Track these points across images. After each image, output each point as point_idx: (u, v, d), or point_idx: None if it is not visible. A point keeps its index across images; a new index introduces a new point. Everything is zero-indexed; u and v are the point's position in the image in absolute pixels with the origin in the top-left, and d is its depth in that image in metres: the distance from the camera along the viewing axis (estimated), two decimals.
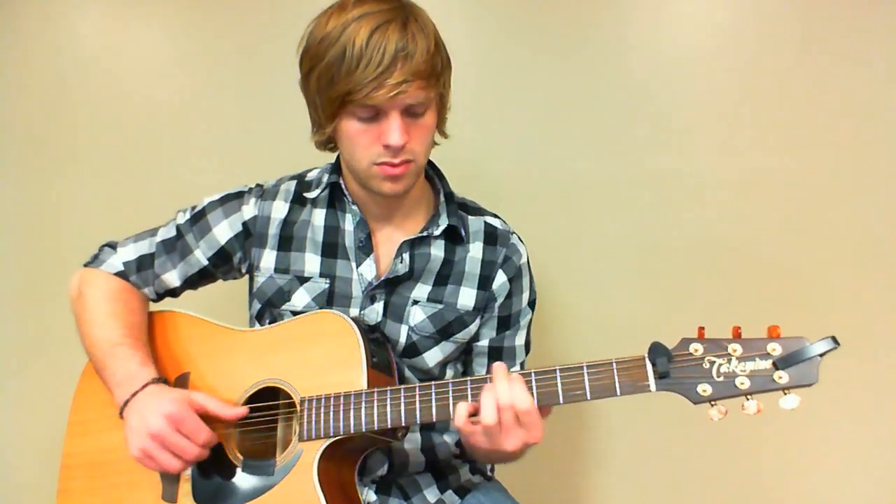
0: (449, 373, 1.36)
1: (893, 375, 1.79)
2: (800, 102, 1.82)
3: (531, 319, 1.40)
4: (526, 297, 1.37)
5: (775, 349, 0.96)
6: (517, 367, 1.37)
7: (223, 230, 1.33)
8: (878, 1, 1.77)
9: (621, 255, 1.90)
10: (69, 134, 2.07)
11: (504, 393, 1.04)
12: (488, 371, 1.34)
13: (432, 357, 1.30)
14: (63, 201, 2.08)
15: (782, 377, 0.95)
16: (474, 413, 1.07)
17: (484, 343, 1.35)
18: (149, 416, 1.12)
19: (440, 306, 1.30)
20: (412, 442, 1.32)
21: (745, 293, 1.84)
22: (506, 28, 1.93)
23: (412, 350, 1.29)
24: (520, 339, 1.38)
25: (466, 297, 1.31)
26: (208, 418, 1.16)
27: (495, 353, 1.36)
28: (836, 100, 1.80)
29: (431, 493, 1.34)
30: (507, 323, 1.36)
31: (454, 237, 1.32)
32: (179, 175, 2.03)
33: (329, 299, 1.29)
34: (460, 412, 1.07)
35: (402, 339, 1.29)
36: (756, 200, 1.83)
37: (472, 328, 1.32)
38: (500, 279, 1.33)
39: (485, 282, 1.32)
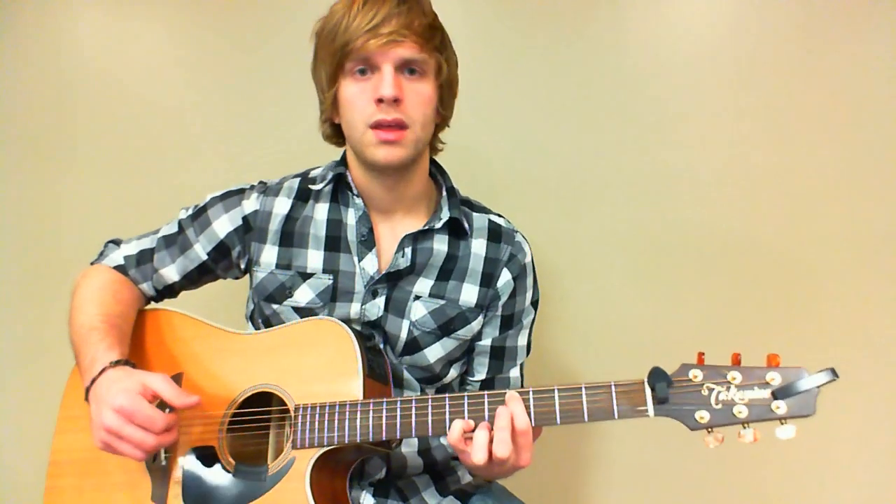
0: (453, 373, 1.35)
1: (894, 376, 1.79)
2: (804, 100, 1.83)
3: (533, 319, 1.40)
4: (529, 296, 1.38)
5: (774, 378, 0.97)
6: (517, 369, 1.38)
7: (223, 224, 1.33)
8: None
9: (622, 253, 1.90)
10: (69, 134, 2.07)
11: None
12: (488, 371, 1.36)
13: (433, 353, 1.30)
14: (63, 201, 2.07)
15: (780, 407, 0.96)
16: (469, 431, 1.07)
17: (486, 342, 1.35)
18: (103, 409, 1.09)
19: (442, 302, 1.30)
20: (409, 445, 1.32)
21: (748, 293, 1.84)
22: (504, 23, 1.94)
23: (413, 346, 1.29)
24: (521, 340, 1.39)
25: (468, 294, 1.31)
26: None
27: (497, 353, 1.36)
28: (841, 98, 1.81)
29: (430, 496, 1.33)
30: (510, 322, 1.36)
31: (458, 231, 1.33)
32: (179, 175, 2.03)
33: (333, 295, 1.29)
34: (455, 429, 1.07)
35: (403, 335, 1.29)
36: (759, 198, 1.84)
37: (475, 325, 1.32)
38: (505, 277, 1.34)
39: (488, 279, 1.33)
